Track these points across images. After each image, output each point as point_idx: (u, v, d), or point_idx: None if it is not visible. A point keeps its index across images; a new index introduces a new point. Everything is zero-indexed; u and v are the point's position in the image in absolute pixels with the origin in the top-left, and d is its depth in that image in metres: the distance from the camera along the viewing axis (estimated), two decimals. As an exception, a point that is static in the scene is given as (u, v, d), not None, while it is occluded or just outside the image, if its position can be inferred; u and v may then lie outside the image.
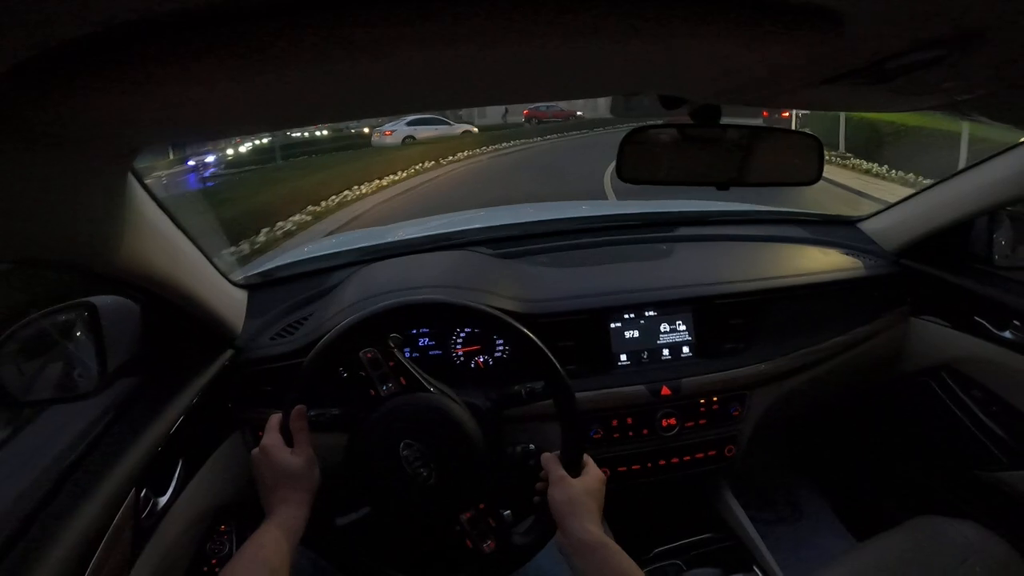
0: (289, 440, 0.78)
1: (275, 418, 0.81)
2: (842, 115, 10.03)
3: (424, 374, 0.89)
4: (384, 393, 0.87)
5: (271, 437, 0.78)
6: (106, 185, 0.63)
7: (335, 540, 0.82)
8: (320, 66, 0.37)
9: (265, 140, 15.30)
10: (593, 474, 0.80)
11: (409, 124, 16.75)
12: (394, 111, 0.63)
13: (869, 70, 0.49)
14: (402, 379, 0.88)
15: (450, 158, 13.14)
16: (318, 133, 18.88)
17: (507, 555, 0.83)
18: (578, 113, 24.60)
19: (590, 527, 0.71)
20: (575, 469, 0.80)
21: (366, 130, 18.16)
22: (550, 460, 0.81)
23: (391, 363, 0.88)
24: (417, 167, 11.75)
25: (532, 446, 0.88)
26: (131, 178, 0.70)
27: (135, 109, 0.43)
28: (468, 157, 13.76)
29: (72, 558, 0.67)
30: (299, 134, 17.69)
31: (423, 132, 16.60)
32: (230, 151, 14.92)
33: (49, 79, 0.34)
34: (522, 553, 0.84)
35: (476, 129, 18.27)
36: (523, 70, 0.46)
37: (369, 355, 0.88)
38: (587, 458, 0.84)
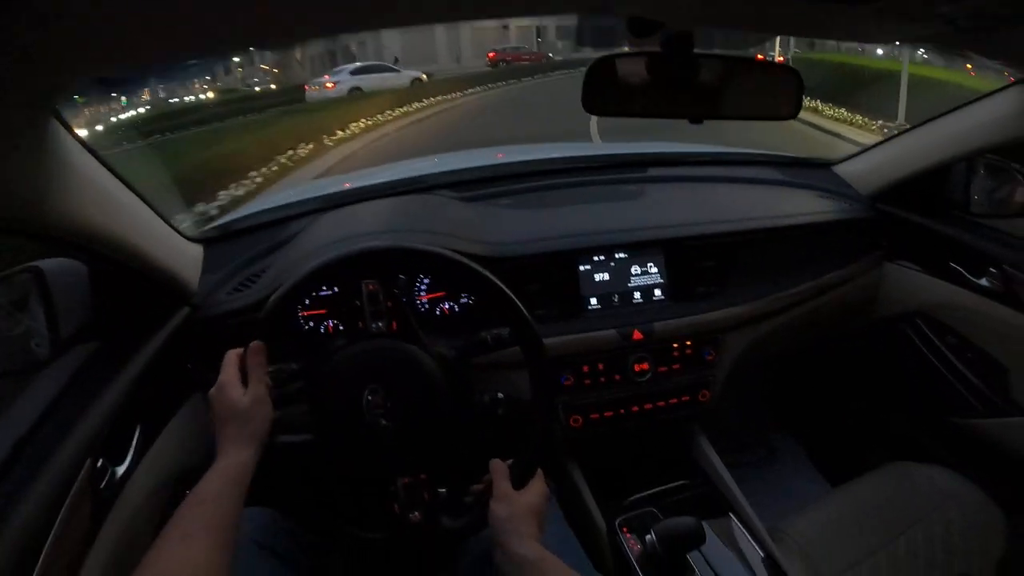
0: (246, 379, 0.76)
1: (232, 353, 0.78)
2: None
3: (415, 325, 0.87)
4: (373, 331, 0.85)
5: (227, 373, 0.76)
6: (25, 134, 0.58)
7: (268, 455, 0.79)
8: None
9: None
10: (537, 490, 0.79)
11: (355, 73, 15.03)
12: (347, 26, 0.59)
13: None
14: (394, 323, 0.86)
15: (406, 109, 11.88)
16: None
17: (430, 533, 0.83)
18: (550, 55, 23.67)
19: (530, 544, 0.71)
20: (522, 482, 0.79)
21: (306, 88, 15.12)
22: (498, 471, 0.79)
23: (389, 303, 0.86)
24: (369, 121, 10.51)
25: (500, 394, 0.86)
26: (56, 124, 0.65)
27: (46, 37, 0.38)
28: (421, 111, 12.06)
29: (29, 533, 0.64)
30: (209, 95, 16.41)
31: (371, 82, 14.59)
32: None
33: None
34: (446, 536, 0.83)
35: (426, 76, 16.61)
36: None
37: (371, 287, 0.86)
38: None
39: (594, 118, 8.71)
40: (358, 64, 15.12)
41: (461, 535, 0.83)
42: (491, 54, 22.23)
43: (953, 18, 0.54)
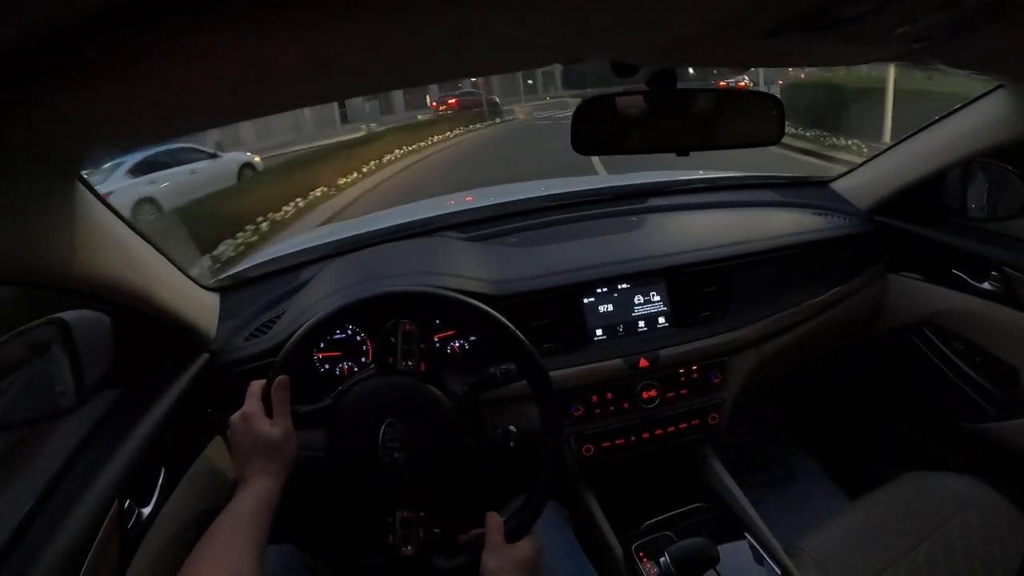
0: (270, 411, 0.77)
1: (257, 384, 0.80)
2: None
3: (440, 367, 0.90)
4: (402, 368, 0.88)
5: (252, 404, 0.77)
6: (52, 197, 0.62)
7: None
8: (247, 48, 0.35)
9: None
10: (528, 546, 0.81)
11: (136, 172, 8.02)
12: (322, 98, 0.62)
13: (818, 16, 0.48)
14: (423, 364, 0.89)
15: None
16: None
17: (420, 569, 0.84)
18: (494, 99, 21.39)
19: None
20: (517, 535, 0.81)
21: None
22: (493, 523, 0.81)
23: (423, 345, 0.89)
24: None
25: (512, 428, 0.88)
26: (79, 187, 0.69)
27: (72, 116, 0.42)
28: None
29: (61, 572, 0.66)
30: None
31: (170, 183, 8.37)
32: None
33: None
34: (436, 574, 0.84)
35: (259, 160, 10.84)
36: (464, 43, 0.45)
37: (408, 327, 0.89)
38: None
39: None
40: (142, 157, 7.98)
41: None
42: (434, 104, 21.09)
43: (912, 38, 0.56)
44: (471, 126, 16.62)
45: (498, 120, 18.20)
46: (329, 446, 0.84)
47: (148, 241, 0.90)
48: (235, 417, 0.77)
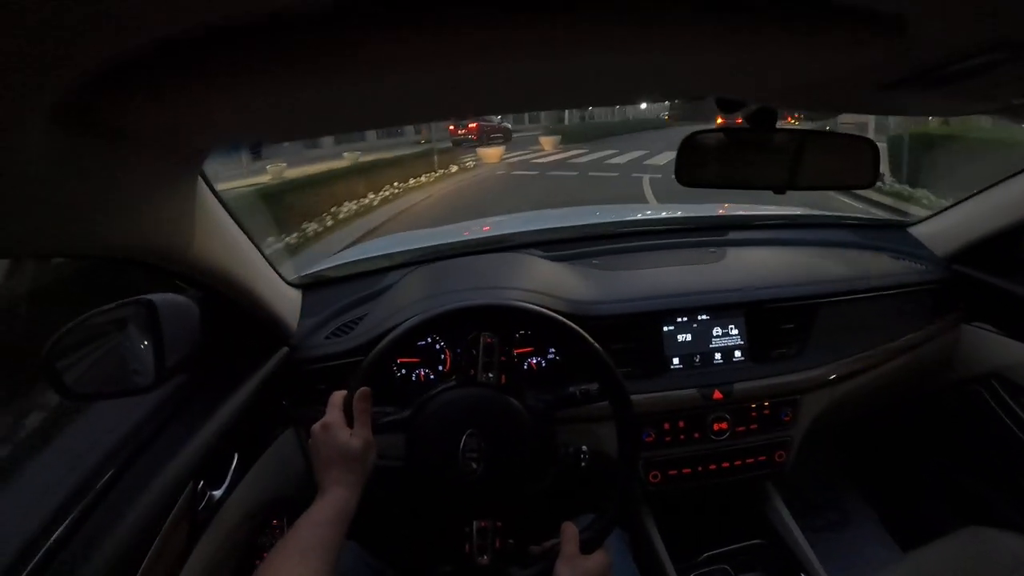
0: (350, 420, 0.79)
1: (339, 395, 0.82)
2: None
3: (520, 380, 0.91)
4: (482, 380, 0.90)
5: (333, 415, 0.79)
6: (178, 186, 0.65)
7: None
8: (378, 76, 0.38)
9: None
10: (601, 559, 0.81)
11: None
12: (450, 115, 0.64)
13: (930, 74, 0.48)
14: (503, 377, 0.91)
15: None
16: None
17: None
18: (506, 126, 19.62)
19: None
20: (590, 548, 0.81)
21: None
22: (568, 534, 0.81)
23: (503, 358, 0.91)
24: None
25: (584, 447, 0.89)
26: (200, 180, 0.73)
27: (207, 111, 0.44)
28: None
29: (132, 547, 0.69)
30: None
31: None
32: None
33: (133, 80, 0.35)
34: None
35: None
36: (595, 75, 0.46)
37: (488, 340, 0.92)
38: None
39: (646, 182, 8.68)
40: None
41: None
42: (452, 128, 17.69)
43: (1016, 92, 0.55)
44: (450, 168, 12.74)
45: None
46: (408, 455, 0.86)
47: (249, 236, 0.93)
48: (316, 427, 0.79)
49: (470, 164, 13.58)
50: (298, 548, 0.65)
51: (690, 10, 0.36)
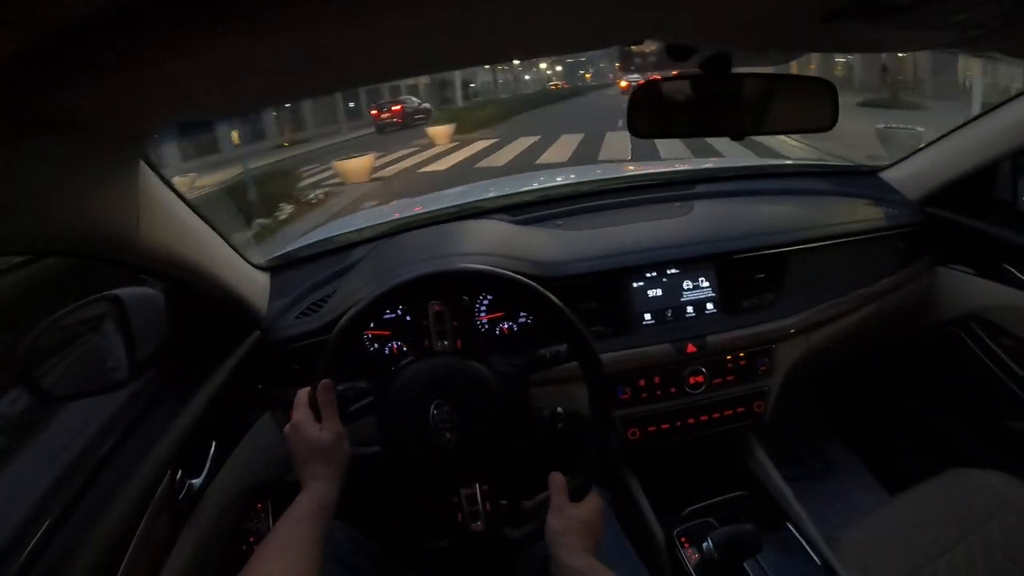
0: (319, 415, 0.79)
1: (303, 393, 0.82)
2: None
3: (479, 343, 0.89)
4: (439, 349, 0.90)
5: (300, 413, 0.79)
6: (119, 173, 0.64)
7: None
8: (315, 27, 0.36)
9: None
10: (593, 505, 0.81)
11: None
12: (393, 75, 0.63)
13: (877, 2, 0.47)
14: (459, 342, 0.90)
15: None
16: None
17: (491, 542, 0.85)
18: (427, 106, 18.65)
19: (579, 553, 0.73)
20: (580, 495, 0.81)
21: None
22: (556, 484, 0.81)
23: (455, 323, 0.91)
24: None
25: (560, 409, 0.88)
26: (143, 166, 0.71)
27: (139, 90, 0.43)
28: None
29: (114, 539, 0.69)
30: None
31: None
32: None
33: (52, 65, 0.34)
34: (507, 544, 0.85)
35: None
36: (526, 21, 0.45)
37: (436, 308, 0.92)
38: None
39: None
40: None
41: (521, 544, 0.85)
42: (374, 111, 16.75)
43: (969, 25, 0.55)
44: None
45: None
46: (382, 439, 0.85)
47: (205, 220, 0.92)
48: (287, 429, 0.79)
49: (321, 196, 8.55)
50: (278, 545, 0.66)
51: None
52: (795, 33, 0.58)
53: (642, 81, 0.74)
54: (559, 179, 1.85)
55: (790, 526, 1.09)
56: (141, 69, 0.38)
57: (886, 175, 1.48)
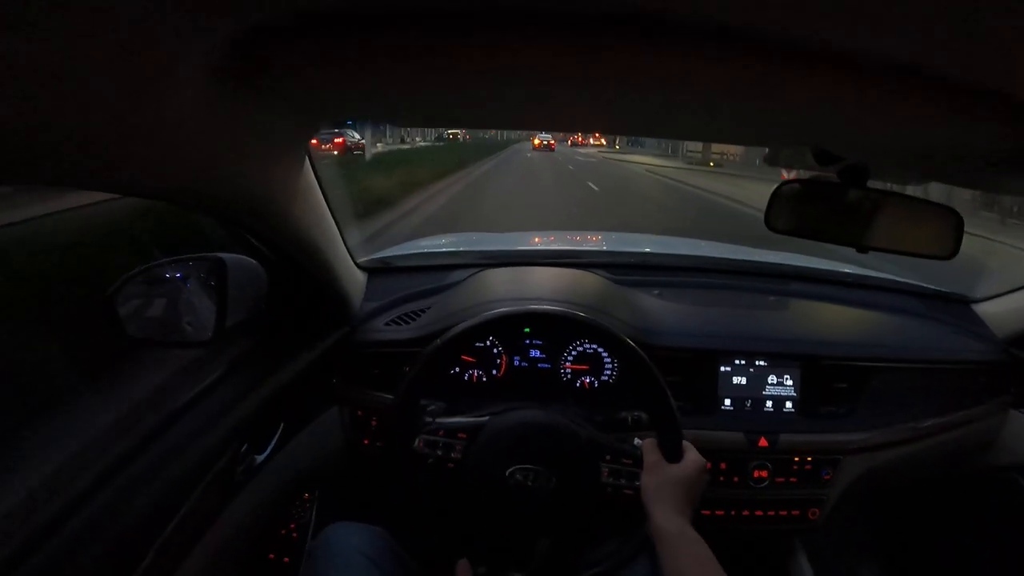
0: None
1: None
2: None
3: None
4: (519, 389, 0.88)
5: None
6: (292, 150, 0.68)
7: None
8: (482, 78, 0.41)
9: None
10: (691, 461, 0.80)
11: None
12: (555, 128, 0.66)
13: None
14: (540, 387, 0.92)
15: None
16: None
17: None
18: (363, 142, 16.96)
19: (671, 516, 0.72)
20: (674, 456, 0.80)
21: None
22: (647, 445, 0.81)
23: (541, 367, 0.95)
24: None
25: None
26: (304, 155, 0.75)
27: (334, 84, 0.47)
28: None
29: (169, 496, 0.71)
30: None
31: None
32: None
33: (277, 45, 0.38)
34: None
35: None
36: (710, 113, 0.47)
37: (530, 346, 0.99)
38: (687, 445, 0.84)
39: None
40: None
41: None
42: (315, 140, 15.91)
43: None
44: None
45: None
46: (464, 472, 0.85)
47: (332, 212, 0.96)
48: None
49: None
50: None
51: (817, 64, 0.36)
52: (963, 171, 0.59)
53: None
54: (661, 247, 1.87)
55: None
56: (338, 68, 0.41)
57: (978, 308, 1.46)
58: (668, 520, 0.71)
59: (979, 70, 0.35)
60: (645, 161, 25.03)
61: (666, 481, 0.76)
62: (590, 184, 13.51)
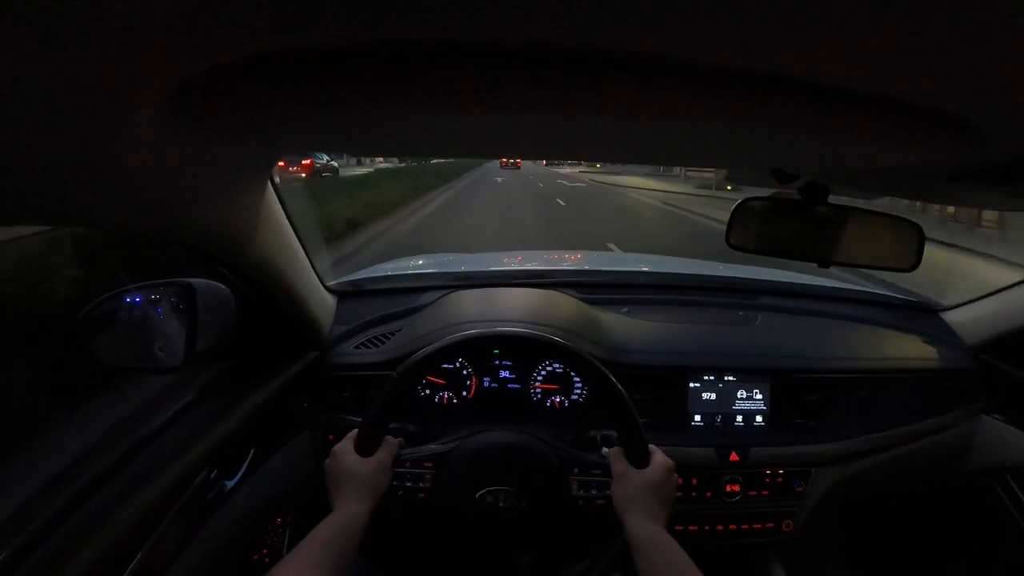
0: (363, 448, 0.81)
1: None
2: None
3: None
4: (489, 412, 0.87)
5: (346, 443, 0.82)
6: (253, 183, 0.68)
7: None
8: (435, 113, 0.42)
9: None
10: (657, 464, 0.80)
11: None
12: (515, 155, 0.67)
13: (996, 172, 0.49)
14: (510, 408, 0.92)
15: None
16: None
17: None
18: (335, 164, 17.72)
19: (644, 522, 0.72)
20: (640, 462, 0.81)
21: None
22: (614, 454, 0.81)
23: (511, 387, 0.96)
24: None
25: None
26: (268, 184, 0.75)
27: (292, 119, 0.47)
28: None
29: (139, 523, 0.70)
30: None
31: None
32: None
33: (232, 82, 0.38)
34: None
35: None
36: (666, 136, 0.48)
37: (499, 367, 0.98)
38: (653, 448, 0.84)
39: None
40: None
41: None
42: (282, 162, 15.71)
43: None
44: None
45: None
46: (436, 496, 0.86)
47: (299, 237, 0.95)
48: (327, 460, 0.82)
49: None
50: (299, 563, 0.66)
51: (769, 92, 0.37)
52: (909, 187, 0.60)
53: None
54: (623, 265, 1.87)
55: None
56: (294, 104, 0.41)
57: (947, 316, 1.48)
58: (641, 527, 0.72)
59: (927, 93, 0.35)
60: (640, 185, 21.21)
61: (635, 488, 0.76)
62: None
